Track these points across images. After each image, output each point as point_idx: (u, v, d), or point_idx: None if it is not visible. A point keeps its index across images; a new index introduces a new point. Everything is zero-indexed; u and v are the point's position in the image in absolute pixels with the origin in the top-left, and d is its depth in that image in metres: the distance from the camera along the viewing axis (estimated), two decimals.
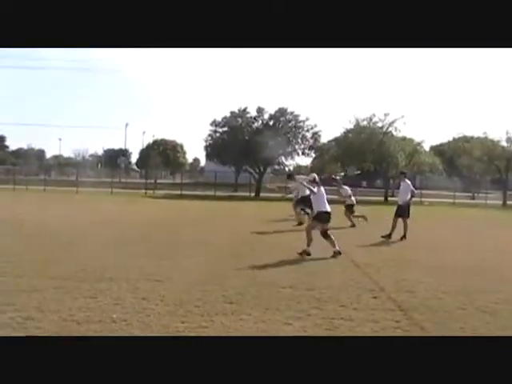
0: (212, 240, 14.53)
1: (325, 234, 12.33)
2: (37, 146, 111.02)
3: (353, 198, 21.04)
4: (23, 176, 59.70)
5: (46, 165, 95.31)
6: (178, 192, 47.49)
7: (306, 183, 13.17)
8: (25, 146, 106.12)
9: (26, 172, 65.80)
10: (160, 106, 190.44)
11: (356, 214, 20.86)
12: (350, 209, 20.66)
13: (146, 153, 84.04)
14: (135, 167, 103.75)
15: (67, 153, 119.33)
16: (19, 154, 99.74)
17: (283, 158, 56.80)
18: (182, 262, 10.85)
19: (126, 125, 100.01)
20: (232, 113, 55.66)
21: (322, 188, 12.78)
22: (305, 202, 19.36)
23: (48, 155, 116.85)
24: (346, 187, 21.17)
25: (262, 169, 54.27)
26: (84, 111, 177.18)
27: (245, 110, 55.66)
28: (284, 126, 54.54)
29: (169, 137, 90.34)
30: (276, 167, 59.27)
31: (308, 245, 12.13)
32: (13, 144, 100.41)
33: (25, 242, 13.19)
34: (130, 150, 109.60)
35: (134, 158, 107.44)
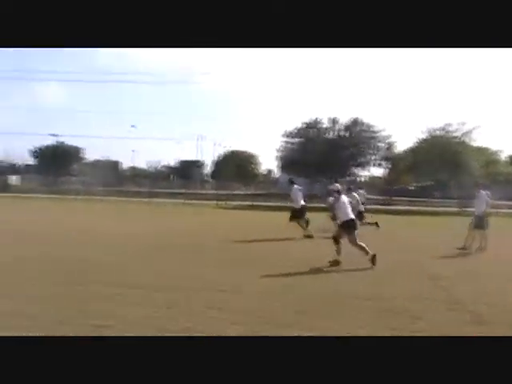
0: (283, 250, 14.62)
1: (336, 240, 12.34)
2: (112, 157, 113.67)
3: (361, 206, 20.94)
4: (99, 187, 61.33)
5: (121, 176, 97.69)
6: (251, 203, 47.62)
7: (331, 198, 13.15)
8: (101, 158, 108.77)
9: (102, 183, 67.65)
10: (233, 117, 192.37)
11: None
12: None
13: (219, 164, 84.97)
14: (209, 178, 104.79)
15: (141, 164, 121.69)
16: (96, 165, 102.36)
17: (357, 168, 56.56)
18: (254, 271, 10.93)
19: (200, 136, 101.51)
20: (305, 123, 55.77)
21: (344, 196, 12.98)
22: (302, 212, 19.32)
23: (123, 167, 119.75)
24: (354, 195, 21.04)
25: (335, 180, 54.08)
26: (159, 123, 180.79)
27: (317, 120, 55.69)
28: (358, 136, 54.28)
29: (242, 148, 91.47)
30: (349, 178, 58.92)
31: (366, 252, 12.16)
32: (90, 156, 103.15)
33: (100, 251, 13.61)
34: (204, 162, 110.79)
35: (207, 170, 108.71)
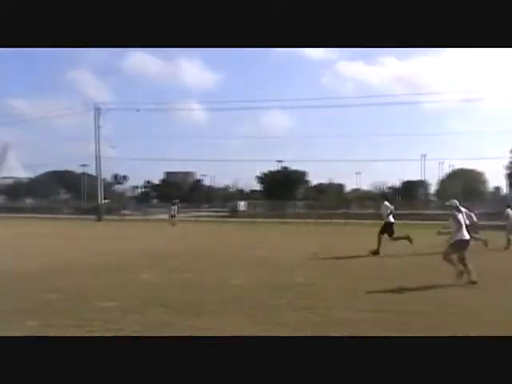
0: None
1: (462, 261, 12.27)
2: (337, 180, 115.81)
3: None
4: (323, 210, 63.51)
5: (346, 198, 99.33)
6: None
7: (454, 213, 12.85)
8: (326, 181, 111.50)
9: (326, 206, 69.88)
10: (457, 134, 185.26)
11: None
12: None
13: (444, 183, 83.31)
14: (434, 198, 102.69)
15: (366, 186, 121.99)
16: (320, 188, 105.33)
17: None
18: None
19: (424, 156, 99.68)
20: None
21: (462, 215, 12.83)
22: (390, 227, 19.36)
23: (347, 189, 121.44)
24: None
25: None
26: (383, 144, 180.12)
27: None
28: None
29: (469, 166, 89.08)
30: None
31: (470, 275, 12.14)
32: (314, 179, 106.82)
33: (330, 275, 14.32)
34: (428, 181, 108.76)
35: (432, 189, 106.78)
